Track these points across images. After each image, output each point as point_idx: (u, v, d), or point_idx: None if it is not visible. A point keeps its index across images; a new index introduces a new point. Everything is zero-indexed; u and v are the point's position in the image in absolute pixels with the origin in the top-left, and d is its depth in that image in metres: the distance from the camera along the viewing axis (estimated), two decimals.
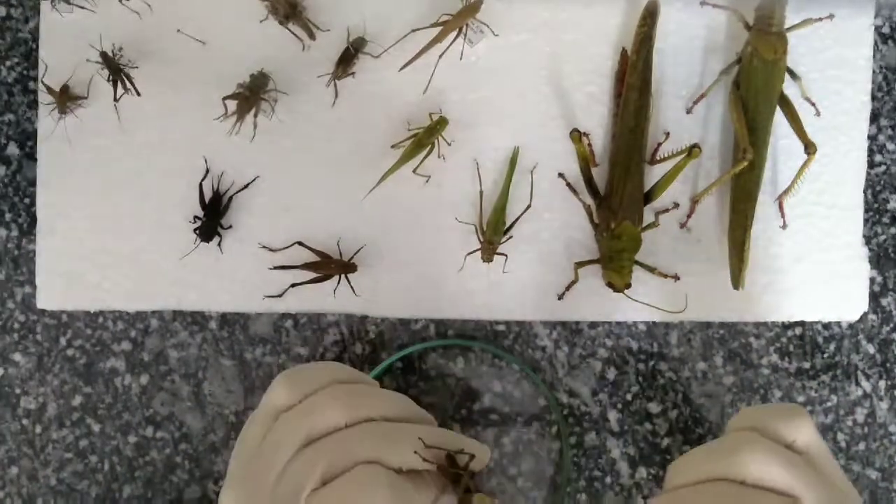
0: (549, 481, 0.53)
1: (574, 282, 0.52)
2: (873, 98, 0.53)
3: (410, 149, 0.51)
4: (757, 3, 0.51)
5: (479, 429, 0.53)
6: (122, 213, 0.52)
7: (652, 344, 0.53)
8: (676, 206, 0.52)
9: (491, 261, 0.51)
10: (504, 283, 0.52)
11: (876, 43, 0.53)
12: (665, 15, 0.51)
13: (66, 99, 0.51)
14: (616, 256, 0.50)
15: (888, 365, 0.53)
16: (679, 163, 0.50)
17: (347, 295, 0.52)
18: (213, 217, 0.51)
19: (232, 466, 0.42)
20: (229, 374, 0.53)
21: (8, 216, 0.53)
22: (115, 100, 0.51)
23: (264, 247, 0.52)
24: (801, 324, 0.53)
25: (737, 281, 0.51)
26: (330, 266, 0.51)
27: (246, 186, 0.52)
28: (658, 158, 0.52)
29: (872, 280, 0.53)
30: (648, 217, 0.52)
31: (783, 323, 0.53)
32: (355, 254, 0.52)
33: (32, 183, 0.53)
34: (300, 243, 0.51)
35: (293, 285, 0.51)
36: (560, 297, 0.52)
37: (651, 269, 0.51)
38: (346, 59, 0.51)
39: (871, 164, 0.53)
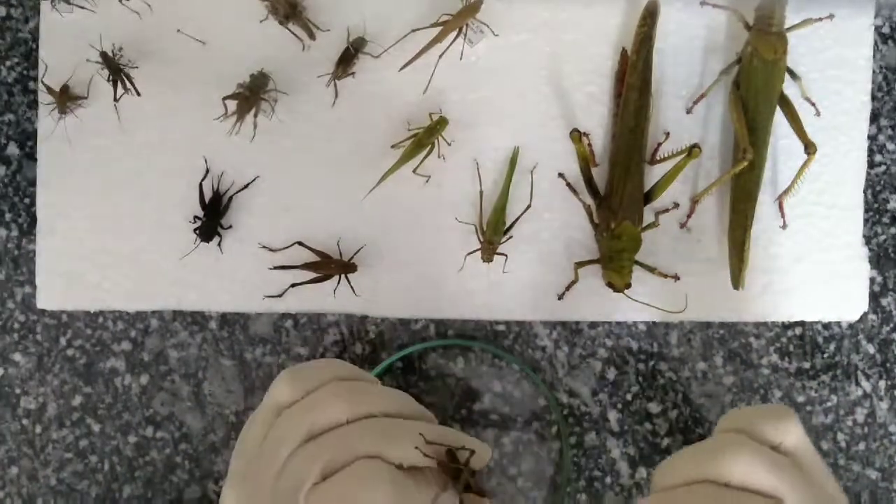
0: (549, 481, 0.53)
1: (574, 282, 0.52)
2: (873, 98, 0.53)
3: (410, 149, 0.51)
4: (757, 3, 0.51)
5: (479, 429, 0.53)
6: (122, 213, 0.52)
7: (652, 344, 0.53)
8: (676, 206, 0.52)
9: (491, 261, 0.51)
10: (504, 283, 0.52)
11: (876, 43, 0.53)
12: (665, 15, 0.51)
13: (66, 99, 0.51)
14: (616, 256, 0.50)
15: (888, 365, 0.53)
16: (679, 163, 0.50)
17: (347, 295, 0.52)
18: (213, 217, 0.51)
19: (233, 464, 0.42)
20: (229, 374, 0.53)
21: (8, 216, 0.53)
22: (115, 100, 0.51)
23: (264, 247, 0.52)
24: (801, 324, 0.53)
25: (737, 281, 0.51)
26: (330, 266, 0.51)
27: (246, 186, 0.52)
28: (658, 158, 0.52)
29: (872, 280, 0.53)
30: (648, 217, 0.52)
31: (783, 323, 0.53)
32: (355, 254, 0.52)
33: (32, 183, 0.53)
34: (300, 243, 0.51)
35: (293, 285, 0.51)
36: (560, 297, 0.52)
37: (651, 269, 0.51)
38: (346, 59, 0.51)
39: (871, 164, 0.53)
